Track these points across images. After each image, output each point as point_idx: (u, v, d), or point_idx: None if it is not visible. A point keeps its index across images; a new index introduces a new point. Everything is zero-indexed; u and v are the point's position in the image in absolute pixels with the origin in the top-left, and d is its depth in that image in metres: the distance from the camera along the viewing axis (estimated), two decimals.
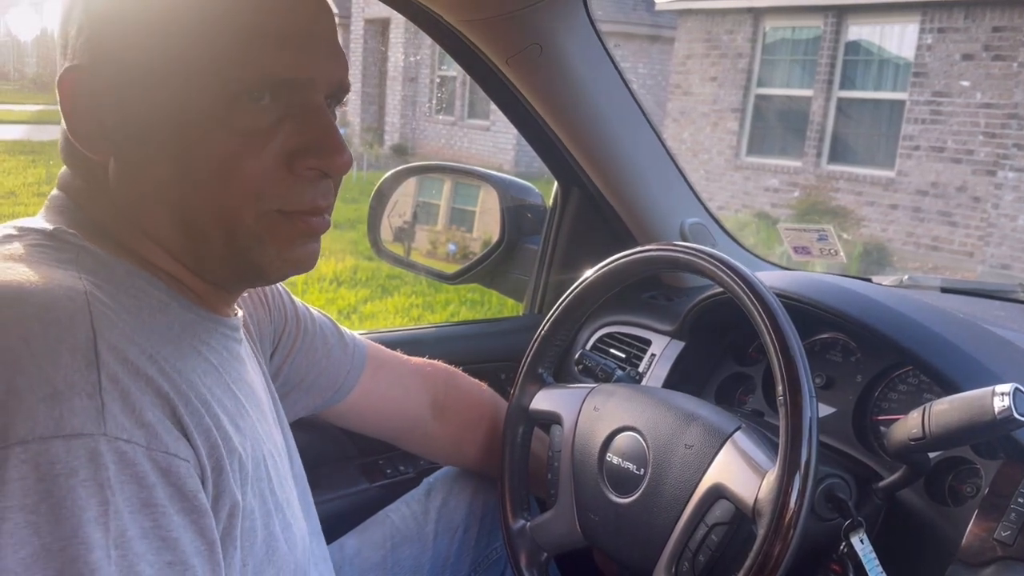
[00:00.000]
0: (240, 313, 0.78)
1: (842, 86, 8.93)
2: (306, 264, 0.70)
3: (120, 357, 0.56)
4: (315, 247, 0.70)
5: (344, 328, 1.07)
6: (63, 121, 0.65)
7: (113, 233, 0.67)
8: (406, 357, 1.15)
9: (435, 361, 1.18)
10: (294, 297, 1.01)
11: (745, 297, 0.89)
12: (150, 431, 0.55)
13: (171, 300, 0.67)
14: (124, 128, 0.64)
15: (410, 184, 1.75)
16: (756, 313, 0.87)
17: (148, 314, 0.63)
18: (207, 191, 0.64)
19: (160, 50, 0.62)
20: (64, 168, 0.70)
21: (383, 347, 1.13)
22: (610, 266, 1.07)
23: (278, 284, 0.97)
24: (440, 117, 13.93)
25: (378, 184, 1.63)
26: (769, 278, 1.09)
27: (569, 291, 1.11)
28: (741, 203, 9.59)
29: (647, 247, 1.04)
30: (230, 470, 0.61)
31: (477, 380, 1.22)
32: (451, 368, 1.20)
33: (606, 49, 1.25)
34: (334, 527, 1.13)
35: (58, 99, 0.65)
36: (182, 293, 0.69)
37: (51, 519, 0.50)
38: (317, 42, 0.66)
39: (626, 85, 1.31)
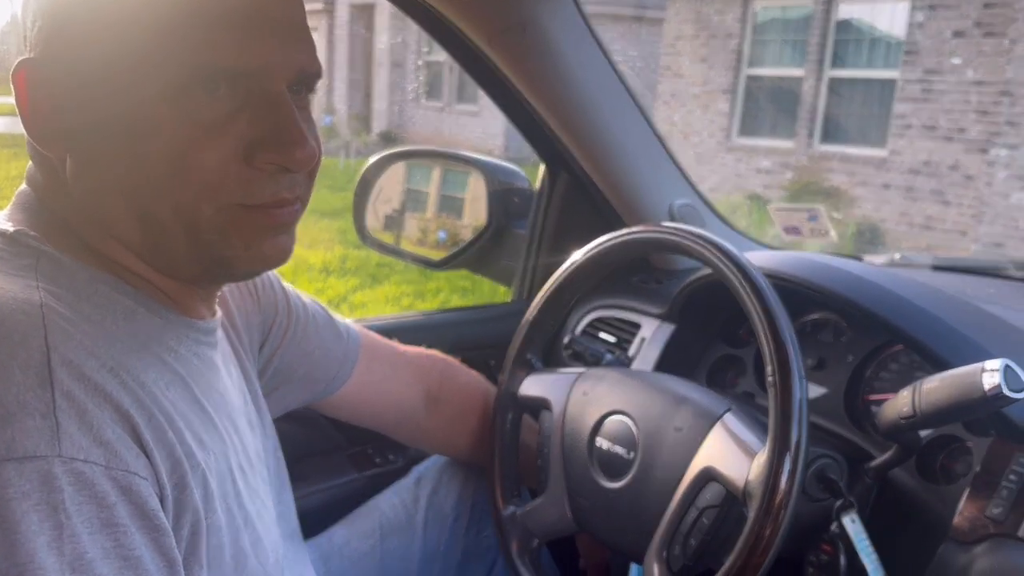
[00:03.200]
0: (218, 314, 0.75)
1: (833, 65, 8.90)
2: (275, 258, 0.67)
3: (76, 373, 0.55)
4: (284, 240, 0.67)
5: (338, 317, 1.05)
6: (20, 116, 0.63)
7: (77, 232, 0.65)
8: (401, 347, 1.13)
9: (432, 351, 1.17)
10: (286, 285, 0.98)
11: (733, 277, 0.88)
12: (109, 449, 0.54)
13: (138, 306, 0.64)
14: (79, 123, 0.62)
15: (396, 171, 1.74)
16: (745, 294, 0.86)
17: (111, 323, 0.61)
18: (163, 185, 0.61)
19: (111, 42, 0.60)
20: (31, 164, 0.68)
21: (377, 336, 1.11)
22: (597, 249, 1.06)
23: (269, 272, 0.94)
24: (428, 103, 13.87)
25: (362, 171, 1.62)
26: (758, 258, 1.08)
27: (556, 275, 1.10)
28: (733, 185, 9.57)
29: (634, 229, 1.03)
30: (193, 487, 0.60)
31: (474, 371, 1.21)
32: (448, 359, 1.18)
33: (591, 29, 1.23)
34: (323, 518, 1.13)
35: (13, 93, 0.63)
36: (152, 296, 0.66)
37: (5, 544, 0.49)
38: (273, 27, 0.62)
39: (612, 66, 1.29)
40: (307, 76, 0.66)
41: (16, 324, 0.55)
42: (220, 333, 0.76)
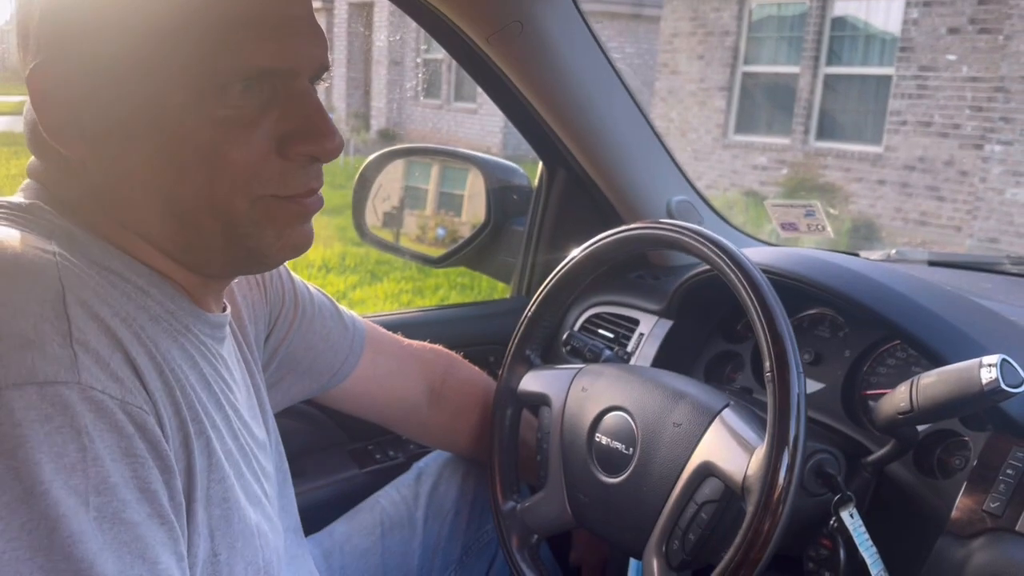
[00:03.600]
0: (228, 311, 0.76)
1: (829, 62, 8.91)
2: (303, 246, 0.70)
3: (90, 312, 0.56)
4: (310, 228, 0.70)
5: (344, 309, 1.05)
6: (35, 115, 0.63)
7: (92, 222, 0.65)
8: (406, 341, 1.13)
9: (436, 346, 1.17)
10: (293, 275, 0.98)
11: (731, 273, 0.88)
12: (123, 385, 0.55)
13: (151, 287, 0.65)
14: (102, 124, 0.62)
15: (394, 168, 1.74)
16: (742, 289, 0.86)
17: (123, 290, 0.62)
18: (198, 183, 0.62)
19: (135, 43, 0.60)
20: (34, 159, 0.68)
21: (382, 329, 1.11)
22: (595, 246, 1.06)
23: None
24: (426, 101, 13.85)
25: (361, 168, 1.62)
26: (755, 254, 1.08)
27: (555, 272, 1.10)
28: (730, 182, 9.58)
29: (631, 226, 1.03)
30: (196, 451, 0.61)
31: (476, 367, 1.21)
32: (451, 354, 1.18)
33: (588, 26, 1.23)
34: (324, 514, 1.13)
35: (28, 95, 0.63)
36: (165, 283, 0.67)
37: (28, 464, 0.49)
38: (297, 27, 0.64)
39: (610, 63, 1.30)
40: (324, 69, 0.68)
41: (32, 264, 0.56)
42: (228, 329, 0.77)
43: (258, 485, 0.72)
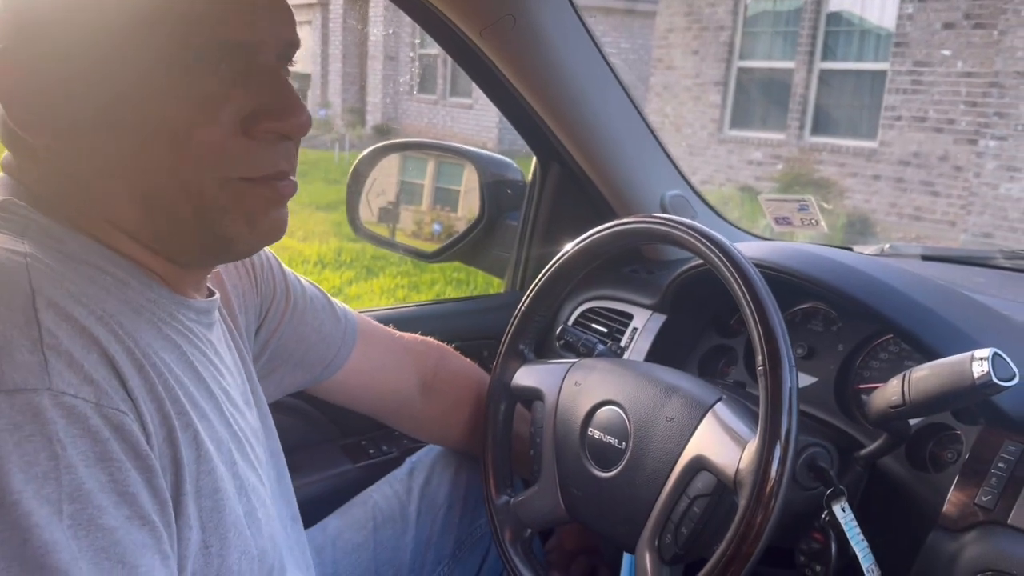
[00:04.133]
0: (216, 296, 0.75)
1: (824, 57, 8.91)
2: (275, 233, 0.68)
3: (62, 314, 0.55)
4: (283, 214, 0.69)
5: (335, 301, 1.04)
6: (1, 107, 0.63)
7: (66, 213, 0.64)
8: (398, 333, 1.13)
9: (427, 338, 1.17)
10: (284, 267, 0.97)
11: (723, 267, 0.88)
12: (98, 388, 0.54)
13: (130, 278, 0.64)
14: (70, 111, 0.61)
15: (389, 163, 1.73)
16: (735, 283, 0.86)
17: (101, 284, 0.61)
18: (165, 164, 0.62)
19: (97, 24, 0.60)
20: (7, 153, 0.67)
21: (375, 322, 1.10)
22: (588, 240, 1.06)
23: (268, 253, 0.94)
24: (422, 96, 13.83)
25: (355, 163, 1.61)
26: (748, 248, 1.08)
27: (548, 266, 1.10)
28: (725, 177, 9.58)
29: (625, 220, 1.03)
30: (182, 444, 0.60)
31: (468, 360, 1.20)
32: (443, 346, 1.18)
33: (582, 20, 1.23)
34: (317, 509, 1.13)
35: None
36: (143, 272, 0.66)
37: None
38: (265, 2, 0.64)
39: (603, 57, 1.29)
40: (291, 47, 0.67)
41: (0, 268, 0.55)
42: (216, 315, 0.76)
43: (253, 472, 0.72)
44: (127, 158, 0.62)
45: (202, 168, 0.62)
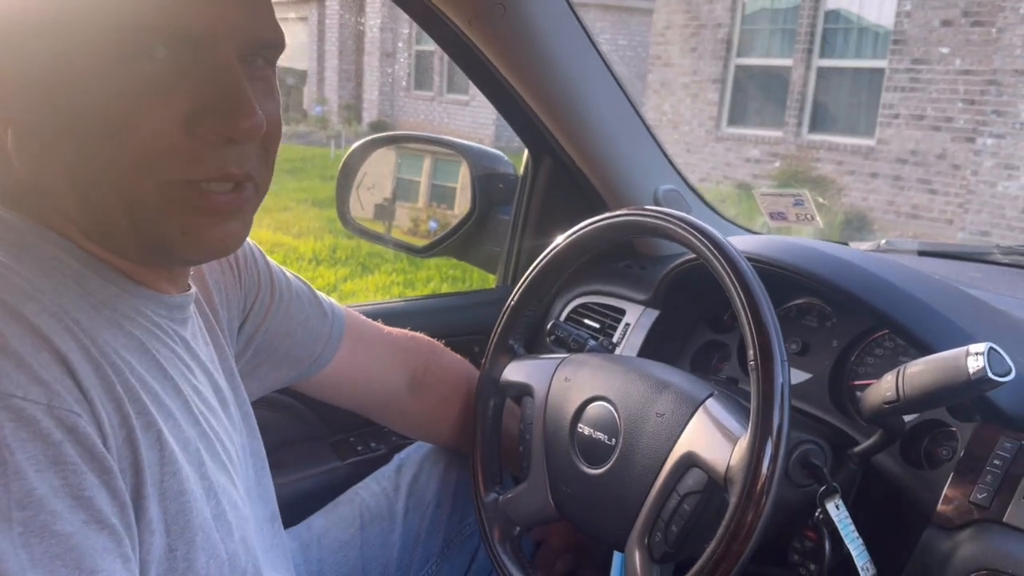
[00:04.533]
0: (191, 291, 0.73)
1: (822, 55, 8.90)
2: (217, 247, 0.64)
3: (10, 312, 0.53)
4: (231, 227, 0.63)
5: (322, 295, 1.02)
6: None
7: (26, 206, 0.62)
8: (386, 329, 1.11)
9: (417, 334, 1.15)
10: (269, 260, 0.94)
11: (715, 260, 0.86)
12: (49, 388, 0.52)
13: (90, 272, 0.62)
14: (17, 92, 0.58)
15: (382, 158, 1.71)
16: (726, 277, 0.85)
17: (61, 282, 0.59)
18: (100, 157, 0.58)
19: (46, 10, 0.57)
20: None
21: (362, 316, 1.08)
22: (578, 234, 1.04)
23: (251, 245, 0.91)
24: (418, 92, 13.81)
25: (345, 156, 1.60)
26: (742, 242, 1.07)
27: (538, 260, 1.09)
28: (722, 174, 9.57)
29: (616, 213, 1.01)
30: (143, 446, 0.58)
31: (459, 356, 1.18)
32: (433, 342, 1.16)
33: (573, 10, 1.21)
34: (303, 506, 1.11)
35: None
36: (105, 266, 0.64)
37: None
38: None
39: (596, 49, 1.28)
40: (263, 45, 0.63)
41: None
42: (193, 309, 0.74)
43: (224, 474, 0.69)
44: (64, 150, 0.59)
45: (136, 166, 0.58)
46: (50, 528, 0.49)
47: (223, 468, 0.70)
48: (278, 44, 0.64)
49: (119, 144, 0.58)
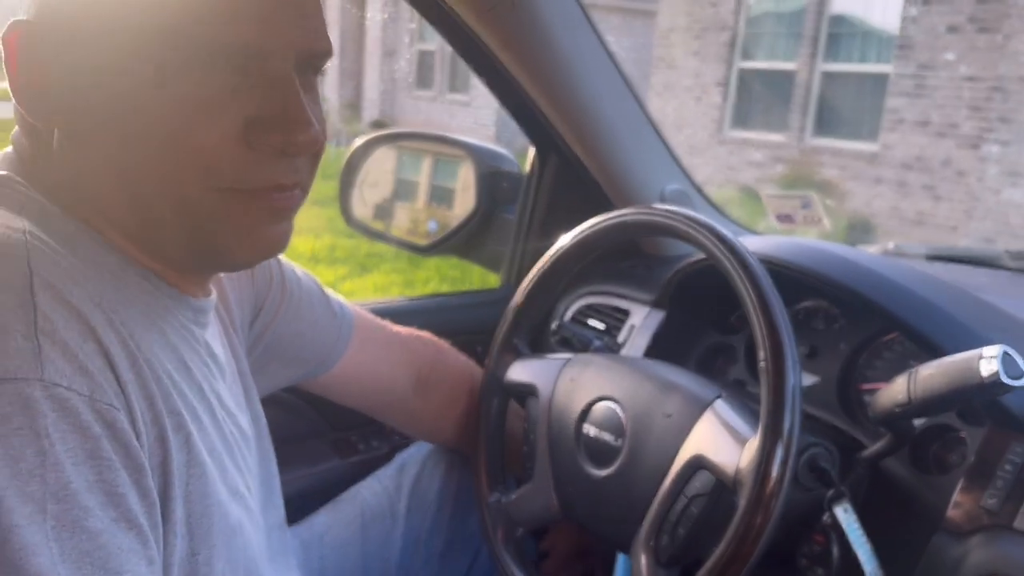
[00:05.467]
0: (213, 295, 0.72)
1: (826, 59, 8.89)
2: (273, 247, 0.64)
3: (59, 298, 0.52)
4: (282, 228, 0.64)
5: (331, 294, 1.02)
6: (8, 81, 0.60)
7: (64, 199, 0.61)
8: (394, 328, 1.10)
9: (424, 333, 1.14)
10: (281, 258, 0.94)
11: (726, 261, 0.85)
12: (93, 380, 0.51)
13: (127, 268, 0.62)
14: (70, 94, 0.58)
15: (384, 156, 1.71)
16: (737, 277, 0.84)
17: (100, 273, 0.59)
18: (155, 166, 0.58)
19: (108, 9, 0.57)
20: (17, 129, 0.65)
21: (370, 315, 1.08)
22: (585, 232, 1.03)
23: None
24: (419, 92, 13.81)
25: (348, 153, 1.59)
26: (752, 243, 1.06)
27: (543, 260, 1.08)
28: (725, 177, 9.57)
29: (623, 211, 1.00)
30: (173, 446, 0.57)
31: (464, 356, 1.18)
32: (439, 342, 1.15)
33: (582, 7, 1.20)
34: (305, 504, 1.10)
35: (2, 56, 0.60)
36: (140, 267, 0.63)
37: None
38: (283, 4, 0.59)
39: (604, 47, 1.27)
40: (315, 56, 0.63)
41: None
42: (212, 314, 0.73)
43: (241, 479, 0.69)
44: (117, 155, 0.59)
45: (191, 174, 0.58)
46: (81, 524, 0.48)
47: (241, 474, 0.69)
48: (328, 54, 0.64)
49: (175, 152, 0.58)
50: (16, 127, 0.65)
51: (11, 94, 0.60)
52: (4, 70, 0.61)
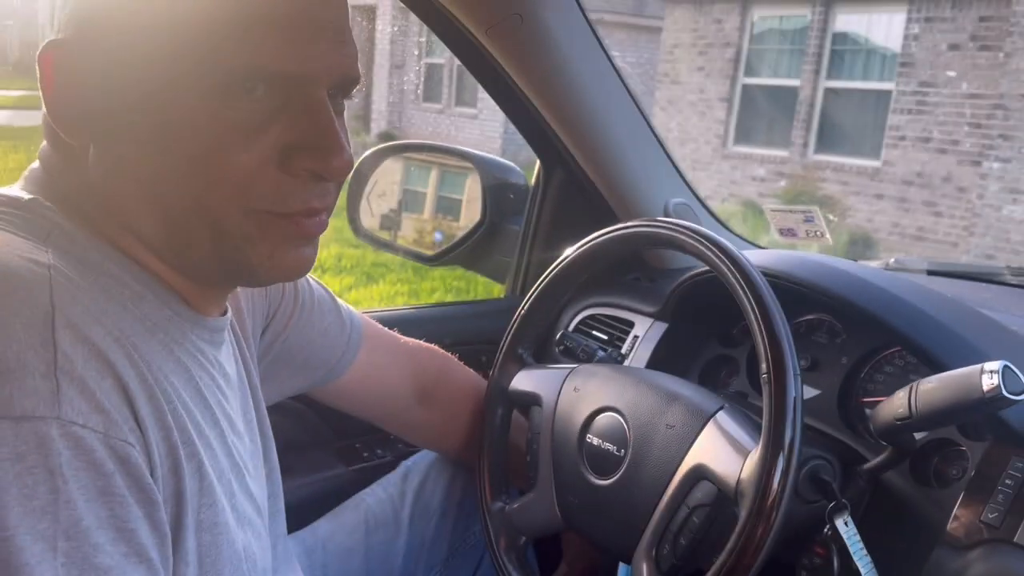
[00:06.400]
0: (228, 313, 0.73)
1: (829, 76, 8.93)
2: (298, 270, 0.65)
3: (80, 336, 0.53)
4: (309, 252, 0.65)
5: (341, 303, 1.02)
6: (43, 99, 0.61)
7: (92, 218, 0.62)
8: (402, 338, 1.11)
9: (431, 346, 1.15)
10: None
11: (729, 273, 0.86)
12: (108, 417, 0.52)
13: (147, 292, 0.62)
14: (106, 114, 0.59)
15: (392, 167, 1.72)
16: (739, 289, 0.85)
17: (120, 301, 0.59)
18: (190, 187, 0.59)
19: (147, 31, 0.58)
20: (45, 144, 0.66)
21: (379, 325, 1.08)
22: (591, 244, 1.04)
23: None
24: (427, 105, 13.86)
25: (357, 163, 1.60)
26: (754, 256, 1.07)
27: (549, 270, 1.09)
28: (728, 192, 9.59)
29: (628, 224, 1.01)
30: (187, 475, 0.58)
31: (470, 369, 1.18)
32: (446, 355, 1.16)
33: (589, 23, 1.22)
34: (309, 511, 1.11)
35: (38, 75, 0.60)
36: (162, 287, 0.64)
37: None
38: (316, 30, 0.60)
39: (610, 61, 1.28)
40: (348, 82, 0.64)
41: (21, 281, 0.53)
42: (227, 333, 0.74)
43: (250, 503, 0.70)
44: (152, 174, 0.60)
45: (226, 195, 0.59)
46: (91, 560, 0.49)
47: (249, 497, 0.70)
48: (358, 80, 0.65)
49: (211, 174, 0.58)
50: (44, 142, 0.65)
51: (46, 111, 0.61)
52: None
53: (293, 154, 0.60)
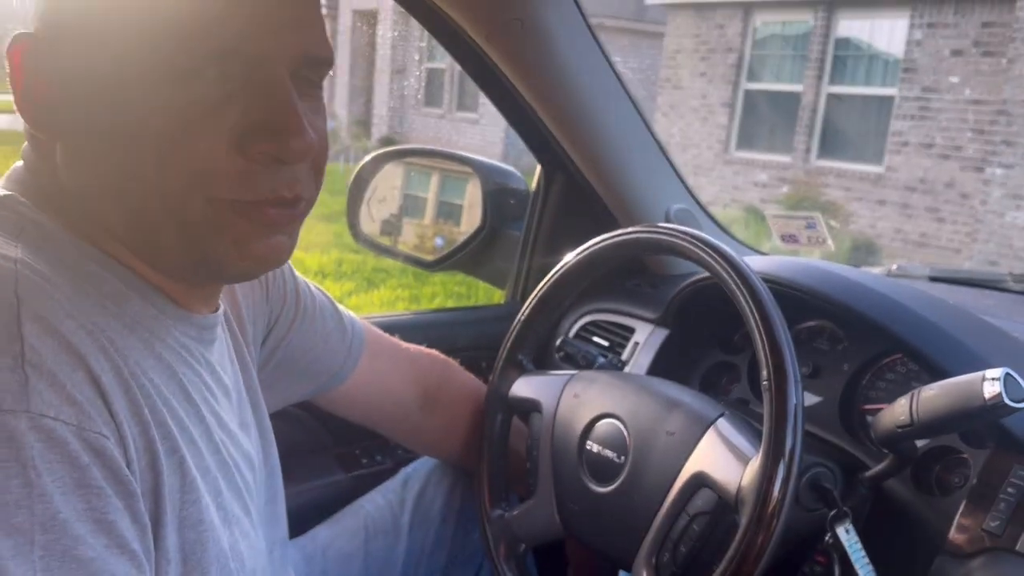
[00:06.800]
0: (219, 309, 0.72)
1: (832, 81, 8.94)
2: (269, 260, 0.63)
3: (48, 329, 0.52)
4: (280, 240, 0.62)
5: (343, 309, 1.02)
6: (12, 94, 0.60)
7: (69, 216, 0.62)
8: (403, 345, 1.10)
9: (432, 351, 1.14)
10: (296, 273, 0.94)
11: (729, 280, 0.86)
12: (80, 409, 0.51)
13: (130, 290, 0.61)
14: (71, 106, 0.58)
15: (392, 172, 1.72)
16: (740, 295, 0.84)
17: (98, 298, 0.58)
18: (150, 176, 0.57)
19: (101, 19, 0.57)
20: (27, 143, 0.65)
21: (380, 332, 1.08)
22: (591, 250, 1.04)
23: None
24: (428, 109, 13.88)
25: (357, 169, 1.60)
26: (756, 262, 1.06)
27: (550, 276, 1.08)
28: (730, 197, 9.59)
29: (629, 230, 1.01)
30: (166, 471, 0.57)
31: (471, 375, 1.18)
32: (447, 360, 1.16)
33: (590, 28, 1.22)
34: (308, 517, 1.11)
35: (7, 69, 0.60)
36: (146, 284, 0.63)
37: None
38: (272, 7, 0.58)
39: (612, 67, 1.28)
40: (313, 62, 0.62)
41: None
42: (220, 328, 0.73)
43: (239, 502, 0.69)
44: (113, 168, 0.59)
45: (186, 184, 0.57)
46: (71, 553, 0.48)
47: (239, 497, 0.69)
48: (328, 61, 0.63)
49: (169, 162, 0.57)
50: (26, 142, 0.65)
51: (16, 107, 0.60)
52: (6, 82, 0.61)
53: (249, 137, 0.58)
